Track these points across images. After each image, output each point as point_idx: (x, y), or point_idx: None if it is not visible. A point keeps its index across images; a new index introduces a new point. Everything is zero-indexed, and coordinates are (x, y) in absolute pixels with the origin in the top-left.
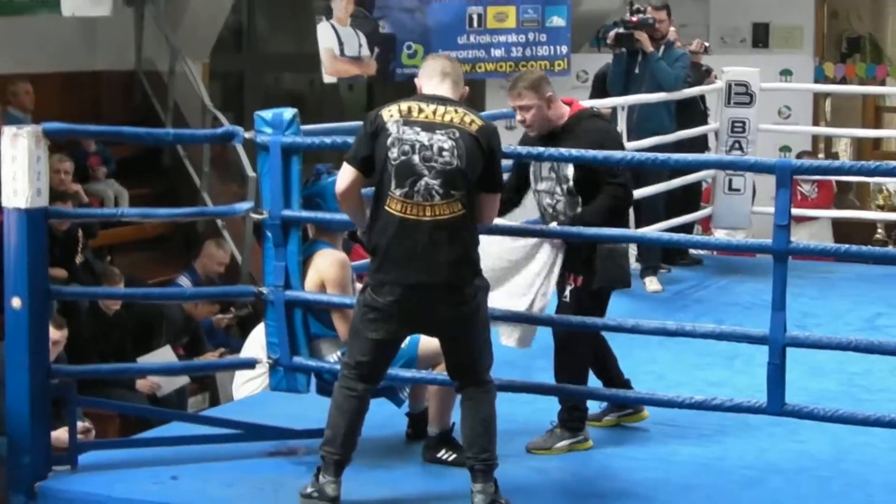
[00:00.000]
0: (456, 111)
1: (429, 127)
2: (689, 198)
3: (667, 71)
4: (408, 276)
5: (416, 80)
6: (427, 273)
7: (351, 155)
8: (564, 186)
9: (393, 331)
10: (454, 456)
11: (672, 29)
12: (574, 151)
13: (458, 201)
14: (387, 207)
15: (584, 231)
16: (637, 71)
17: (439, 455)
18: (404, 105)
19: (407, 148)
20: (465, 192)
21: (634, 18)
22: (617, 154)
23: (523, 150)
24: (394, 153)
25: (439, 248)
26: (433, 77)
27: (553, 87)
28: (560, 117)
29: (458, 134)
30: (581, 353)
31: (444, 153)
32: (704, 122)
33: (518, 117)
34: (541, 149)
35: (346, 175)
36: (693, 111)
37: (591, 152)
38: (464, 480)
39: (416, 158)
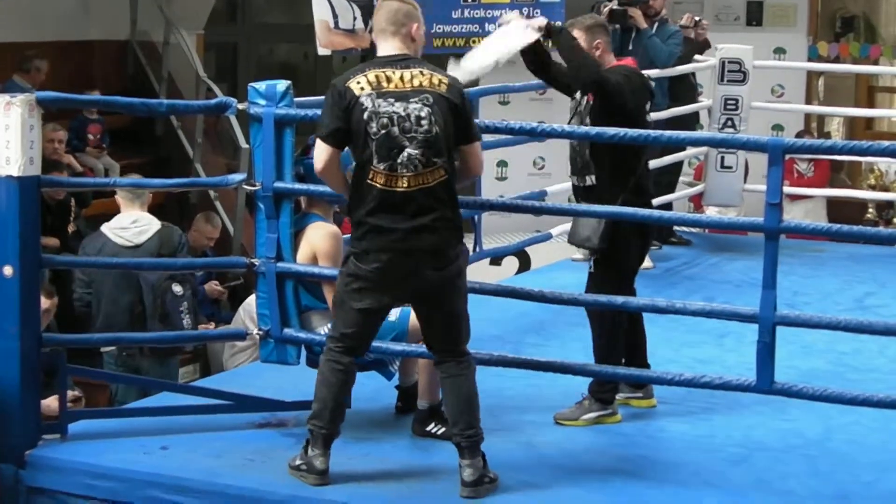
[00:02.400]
0: (422, 73)
1: (402, 97)
2: (669, 177)
3: (660, 47)
4: (393, 243)
5: (371, 34)
6: (412, 239)
7: (324, 132)
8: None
9: (378, 300)
10: (444, 429)
11: (665, 5)
12: (566, 127)
13: (441, 167)
14: (370, 181)
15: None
16: (630, 47)
17: (429, 428)
18: (371, 75)
19: (385, 121)
20: (446, 158)
21: None
22: (609, 131)
23: (501, 124)
24: (373, 127)
25: (424, 214)
26: (385, 33)
27: (605, 42)
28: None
29: (431, 99)
30: (599, 328)
31: (423, 122)
32: (696, 99)
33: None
34: (523, 123)
35: (322, 153)
36: (685, 88)
37: (583, 129)
38: (453, 454)
39: (395, 131)
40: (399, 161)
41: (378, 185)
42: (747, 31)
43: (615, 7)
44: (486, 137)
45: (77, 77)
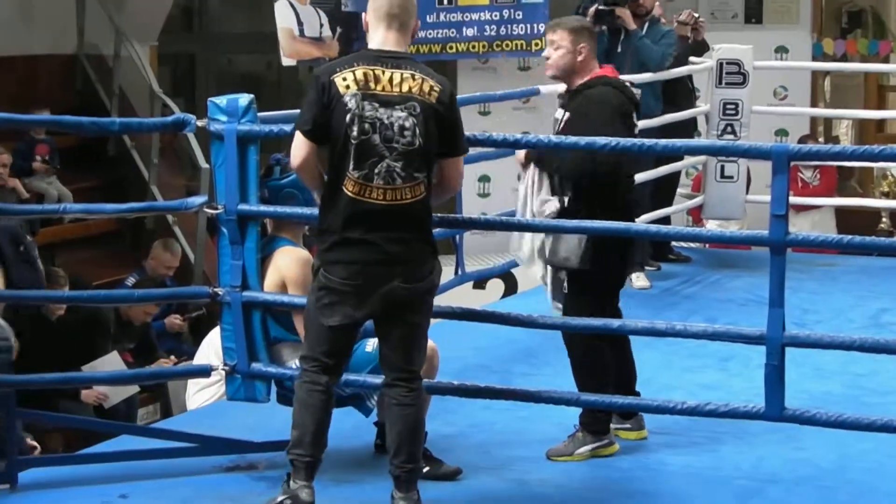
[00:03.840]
0: (413, 76)
1: (388, 102)
2: (667, 188)
3: (652, 49)
4: (364, 255)
5: (363, 16)
6: (384, 253)
7: (303, 125)
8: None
9: (349, 315)
10: (427, 468)
11: (657, 3)
12: (552, 138)
13: (421, 183)
14: (343, 188)
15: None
16: (619, 50)
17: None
18: (359, 72)
19: (367, 126)
20: (426, 173)
21: None
22: (600, 140)
23: (482, 136)
24: (354, 131)
25: (397, 230)
26: (381, 21)
27: (589, 47)
28: (582, 76)
29: (418, 109)
30: (580, 355)
31: (406, 132)
32: (692, 103)
33: (545, 53)
34: (506, 135)
35: (300, 148)
36: (680, 91)
37: (559, 137)
38: (437, 493)
39: (376, 138)
40: (376, 171)
41: (350, 194)
42: (746, 29)
43: (601, 7)
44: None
45: (21, 94)
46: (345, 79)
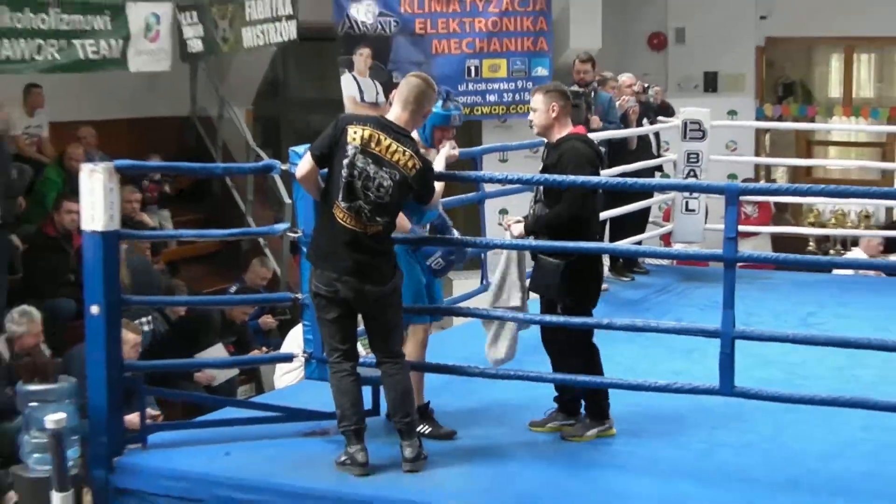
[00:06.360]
0: (404, 152)
1: (378, 162)
2: (641, 218)
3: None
4: (342, 267)
5: (392, 93)
6: (356, 263)
7: (314, 149)
8: (539, 197)
9: (340, 311)
10: (430, 429)
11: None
12: (556, 177)
13: (381, 224)
14: (333, 211)
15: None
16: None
17: (418, 429)
18: (367, 132)
19: (356, 172)
20: (389, 219)
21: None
22: (593, 179)
23: (500, 175)
24: (345, 172)
25: (366, 249)
26: (400, 102)
27: (559, 105)
28: (560, 131)
29: (398, 177)
30: (580, 350)
31: (382, 189)
32: (651, 154)
33: (529, 116)
34: (520, 174)
35: (305, 164)
36: (623, 149)
37: (544, 176)
38: (440, 450)
39: (358, 184)
40: (353, 206)
41: (337, 218)
42: (705, 96)
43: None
44: (489, 187)
45: (145, 148)
46: (355, 132)
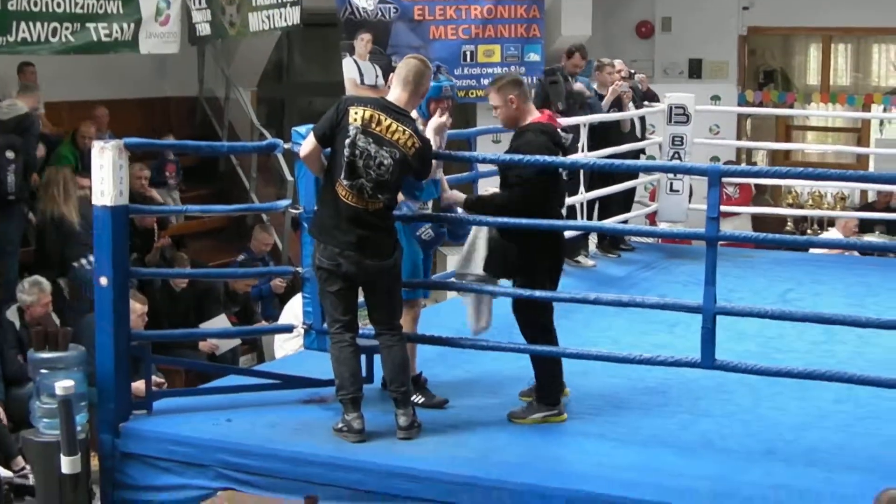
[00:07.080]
0: (404, 132)
1: (379, 141)
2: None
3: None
4: (344, 242)
5: (390, 75)
6: (358, 238)
7: (317, 130)
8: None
9: (343, 284)
10: (423, 399)
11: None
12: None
13: (383, 201)
14: (336, 189)
15: (549, 223)
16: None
17: (412, 399)
18: (368, 113)
19: (357, 152)
20: (390, 196)
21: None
22: (581, 160)
23: (493, 155)
24: (347, 151)
25: (367, 225)
26: (399, 83)
27: (516, 95)
28: (524, 119)
29: (398, 155)
30: (533, 333)
31: (383, 167)
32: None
33: (493, 113)
34: (511, 156)
35: (309, 144)
36: (611, 131)
37: (518, 156)
38: (433, 419)
39: (360, 163)
40: (355, 184)
41: (339, 195)
42: (689, 82)
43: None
44: (482, 168)
45: (155, 126)
46: (356, 113)
